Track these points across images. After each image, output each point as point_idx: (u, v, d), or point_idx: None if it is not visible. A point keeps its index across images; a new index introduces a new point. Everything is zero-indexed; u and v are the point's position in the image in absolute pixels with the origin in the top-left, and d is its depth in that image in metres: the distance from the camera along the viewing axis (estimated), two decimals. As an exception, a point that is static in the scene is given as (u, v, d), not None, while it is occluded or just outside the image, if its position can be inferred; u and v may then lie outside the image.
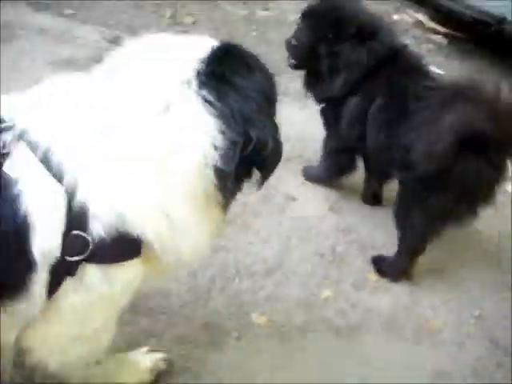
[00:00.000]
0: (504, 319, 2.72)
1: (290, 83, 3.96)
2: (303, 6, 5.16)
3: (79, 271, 1.46)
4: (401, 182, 2.72)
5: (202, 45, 1.56)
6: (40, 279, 1.43)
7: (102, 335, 1.73)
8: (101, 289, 1.52)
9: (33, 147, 1.41)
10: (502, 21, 4.59)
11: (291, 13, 5.11)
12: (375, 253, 2.82)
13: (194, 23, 4.69)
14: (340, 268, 2.74)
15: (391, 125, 2.63)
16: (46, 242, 1.39)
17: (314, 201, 3.00)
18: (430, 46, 5.18)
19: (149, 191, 1.43)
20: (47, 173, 1.39)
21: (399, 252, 2.73)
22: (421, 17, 5.62)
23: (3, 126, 1.43)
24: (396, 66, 2.77)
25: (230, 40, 1.64)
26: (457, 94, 2.40)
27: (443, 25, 5.48)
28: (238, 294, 2.51)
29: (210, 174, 1.46)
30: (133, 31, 4.46)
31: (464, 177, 2.39)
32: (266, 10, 5.12)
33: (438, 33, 5.41)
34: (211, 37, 1.61)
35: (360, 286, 2.68)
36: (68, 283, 1.47)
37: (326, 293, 2.61)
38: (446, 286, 2.79)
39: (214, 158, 1.44)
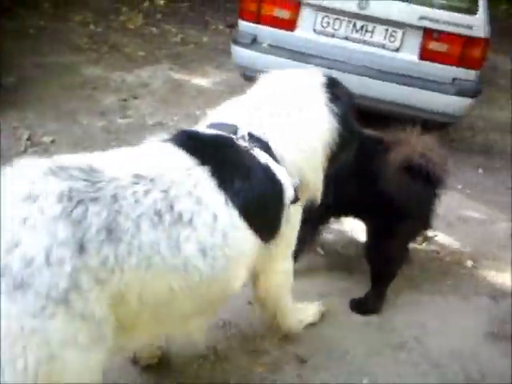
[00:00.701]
0: (393, 380, 2.77)
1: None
2: (161, 109, 5.36)
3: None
4: (371, 224, 3.18)
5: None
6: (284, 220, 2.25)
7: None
8: (294, 220, 2.37)
9: (258, 143, 2.17)
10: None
11: (150, 116, 5.23)
12: (257, 344, 2.81)
13: (52, 142, 4.64)
14: (224, 367, 2.69)
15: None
16: (289, 194, 2.20)
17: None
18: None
19: (309, 159, 2.30)
20: (269, 157, 2.17)
21: (375, 286, 3.21)
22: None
23: (239, 135, 2.17)
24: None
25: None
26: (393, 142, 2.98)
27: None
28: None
29: (330, 144, 2.36)
30: (-10, 159, 4.36)
31: (418, 206, 2.98)
32: (125, 117, 5.18)
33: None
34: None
35: (247, 381, 2.63)
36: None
37: (214, 395, 2.55)
38: (332, 362, 2.81)
39: (332, 135, 2.35)
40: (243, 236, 1.99)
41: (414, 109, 4.85)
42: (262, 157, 2.14)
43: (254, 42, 5.11)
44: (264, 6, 5.06)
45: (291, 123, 2.27)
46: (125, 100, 5.55)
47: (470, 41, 4.80)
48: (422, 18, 4.77)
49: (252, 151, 2.13)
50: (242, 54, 5.19)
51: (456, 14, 4.81)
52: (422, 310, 3.26)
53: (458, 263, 3.74)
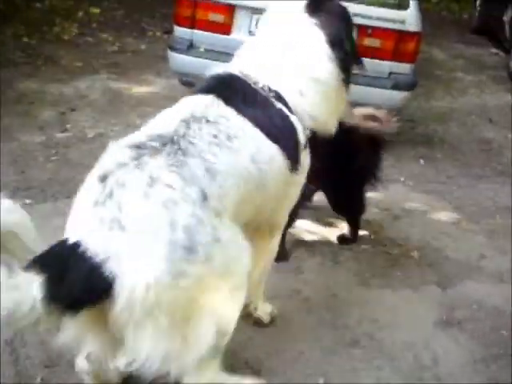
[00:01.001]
0: (349, 377, 2.79)
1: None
2: (101, 120, 5.27)
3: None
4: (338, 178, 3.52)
5: None
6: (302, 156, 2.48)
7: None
8: (305, 161, 2.56)
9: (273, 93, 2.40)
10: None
11: (90, 128, 5.14)
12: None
13: (-11, 161, 4.49)
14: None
15: None
16: (302, 136, 2.45)
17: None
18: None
19: (315, 98, 2.48)
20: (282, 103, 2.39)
21: (351, 224, 3.82)
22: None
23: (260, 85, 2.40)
24: None
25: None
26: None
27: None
28: None
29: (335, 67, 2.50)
30: None
31: (373, 162, 3.65)
32: (65, 131, 5.06)
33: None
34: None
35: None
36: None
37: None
38: (285, 365, 2.80)
39: (331, 54, 2.48)
40: (269, 146, 2.29)
41: (353, 105, 4.90)
42: (278, 104, 2.39)
43: (190, 48, 5.09)
44: (199, 11, 5.05)
45: (295, 71, 2.46)
46: (63, 113, 5.43)
47: (403, 35, 4.91)
48: (354, 14, 4.80)
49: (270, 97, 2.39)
50: (178, 60, 5.16)
51: (388, 9, 4.90)
52: (372, 305, 3.30)
53: (405, 255, 3.81)
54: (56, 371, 2.63)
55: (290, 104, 2.42)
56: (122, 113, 5.56)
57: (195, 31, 5.07)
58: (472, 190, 4.88)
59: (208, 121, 2.14)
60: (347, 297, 3.33)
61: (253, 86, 2.38)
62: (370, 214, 4.13)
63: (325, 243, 3.78)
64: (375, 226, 4.06)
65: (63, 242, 1.80)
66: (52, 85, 6.07)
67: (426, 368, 2.91)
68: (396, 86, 4.98)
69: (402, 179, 4.85)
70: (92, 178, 1.95)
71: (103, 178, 1.89)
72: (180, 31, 5.15)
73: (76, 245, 1.76)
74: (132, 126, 5.19)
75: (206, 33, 5.06)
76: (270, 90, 2.40)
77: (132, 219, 1.81)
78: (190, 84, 5.38)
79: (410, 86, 5.11)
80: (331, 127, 2.65)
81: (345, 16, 2.65)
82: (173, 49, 5.20)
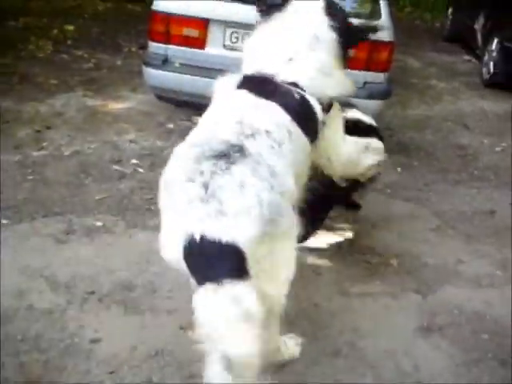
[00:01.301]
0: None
1: (76, 219, 3.90)
2: (78, 138, 5.23)
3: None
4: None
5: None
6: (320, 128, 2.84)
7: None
8: (334, 125, 2.97)
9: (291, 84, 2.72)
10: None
11: (66, 146, 5.10)
12: (192, 369, 2.74)
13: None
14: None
15: None
16: (320, 115, 2.77)
17: (121, 337, 2.90)
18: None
19: (331, 82, 2.85)
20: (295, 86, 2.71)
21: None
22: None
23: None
24: None
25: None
26: None
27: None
28: None
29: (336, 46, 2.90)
30: None
31: None
32: (41, 149, 5.02)
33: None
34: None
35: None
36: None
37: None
38: (269, 376, 2.79)
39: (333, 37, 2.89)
40: (305, 141, 2.70)
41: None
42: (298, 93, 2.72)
43: (165, 63, 5.09)
44: (173, 27, 5.05)
45: (309, 62, 2.80)
46: (39, 131, 5.38)
47: (376, 45, 4.94)
48: (327, 26, 4.88)
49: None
50: (153, 75, 5.15)
51: (360, 20, 4.94)
52: (353, 314, 3.31)
53: (384, 263, 3.83)
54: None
55: (308, 92, 2.74)
56: (98, 130, 5.52)
57: (170, 46, 5.07)
58: (449, 196, 4.94)
59: (268, 131, 2.47)
60: (328, 307, 3.34)
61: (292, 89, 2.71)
62: (349, 222, 4.16)
63: (304, 253, 3.78)
64: (354, 235, 4.09)
65: (193, 241, 2.12)
66: (27, 103, 6.02)
67: (408, 375, 2.93)
68: (371, 96, 5.01)
69: (380, 187, 4.89)
70: (188, 184, 2.25)
71: (205, 184, 2.22)
72: (155, 47, 5.15)
73: (203, 238, 2.11)
74: (109, 143, 5.20)
75: (180, 47, 5.05)
76: (287, 82, 2.72)
77: (232, 207, 2.19)
78: (166, 99, 5.40)
79: (384, 95, 5.16)
80: (348, 92, 3.04)
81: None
82: (148, 64, 5.20)
